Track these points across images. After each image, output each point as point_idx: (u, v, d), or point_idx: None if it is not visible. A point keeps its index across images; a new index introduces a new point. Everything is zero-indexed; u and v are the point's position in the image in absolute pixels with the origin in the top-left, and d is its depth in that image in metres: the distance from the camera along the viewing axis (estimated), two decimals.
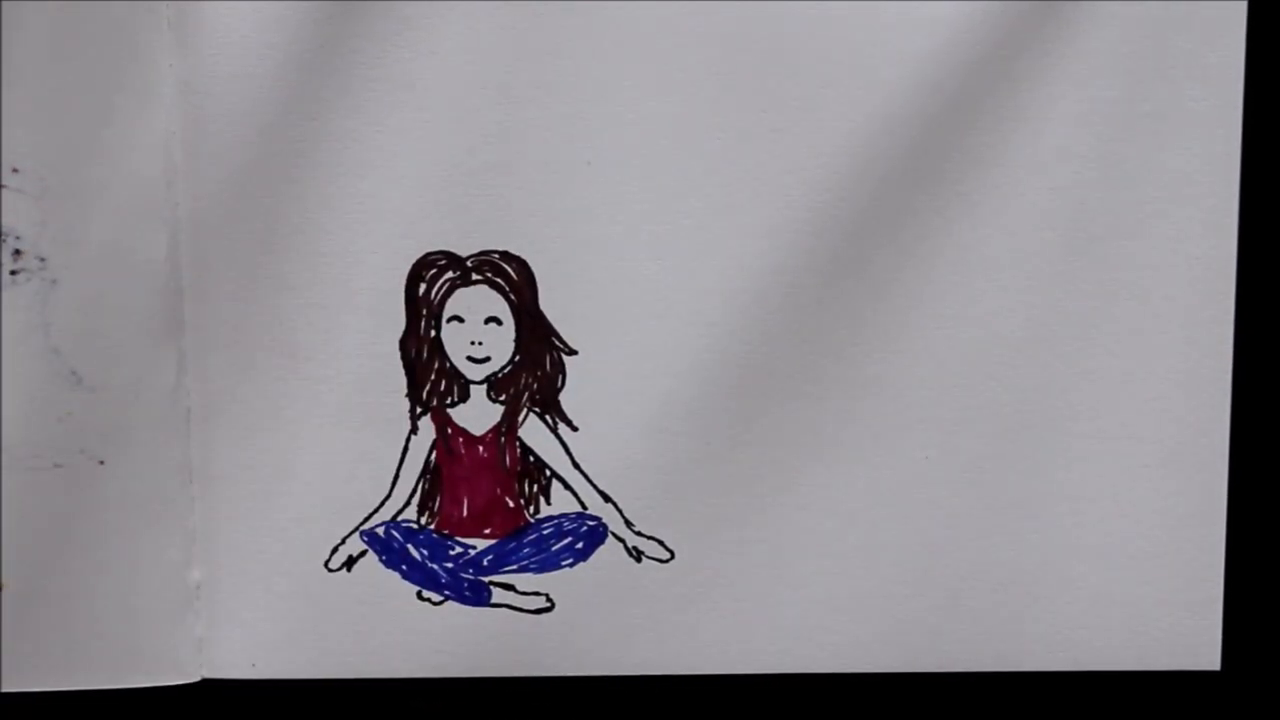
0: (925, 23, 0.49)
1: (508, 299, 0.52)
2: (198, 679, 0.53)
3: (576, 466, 0.53)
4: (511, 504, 0.53)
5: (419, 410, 0.52)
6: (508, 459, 0.53)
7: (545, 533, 0.53)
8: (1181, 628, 0.53)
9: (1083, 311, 0.51)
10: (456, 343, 0.52)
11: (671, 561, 0.53)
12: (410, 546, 0.53)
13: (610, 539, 0.53)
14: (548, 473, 0.53)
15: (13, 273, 0.51)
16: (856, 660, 0.53)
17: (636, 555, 0.53)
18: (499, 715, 0.54)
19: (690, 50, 0.50)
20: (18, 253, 0.50)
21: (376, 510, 0.53)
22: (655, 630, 0.53)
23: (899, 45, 0.50)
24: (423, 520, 0.53)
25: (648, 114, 0.50)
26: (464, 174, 0.51)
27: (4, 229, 0.50)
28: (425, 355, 0.52)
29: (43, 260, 0.50)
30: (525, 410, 0.52)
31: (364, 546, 0.53)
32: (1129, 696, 0.53)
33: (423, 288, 0.52)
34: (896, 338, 0.51)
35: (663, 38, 0.50)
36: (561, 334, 0.52)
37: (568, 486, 0.53)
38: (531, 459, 0.53)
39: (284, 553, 0.53)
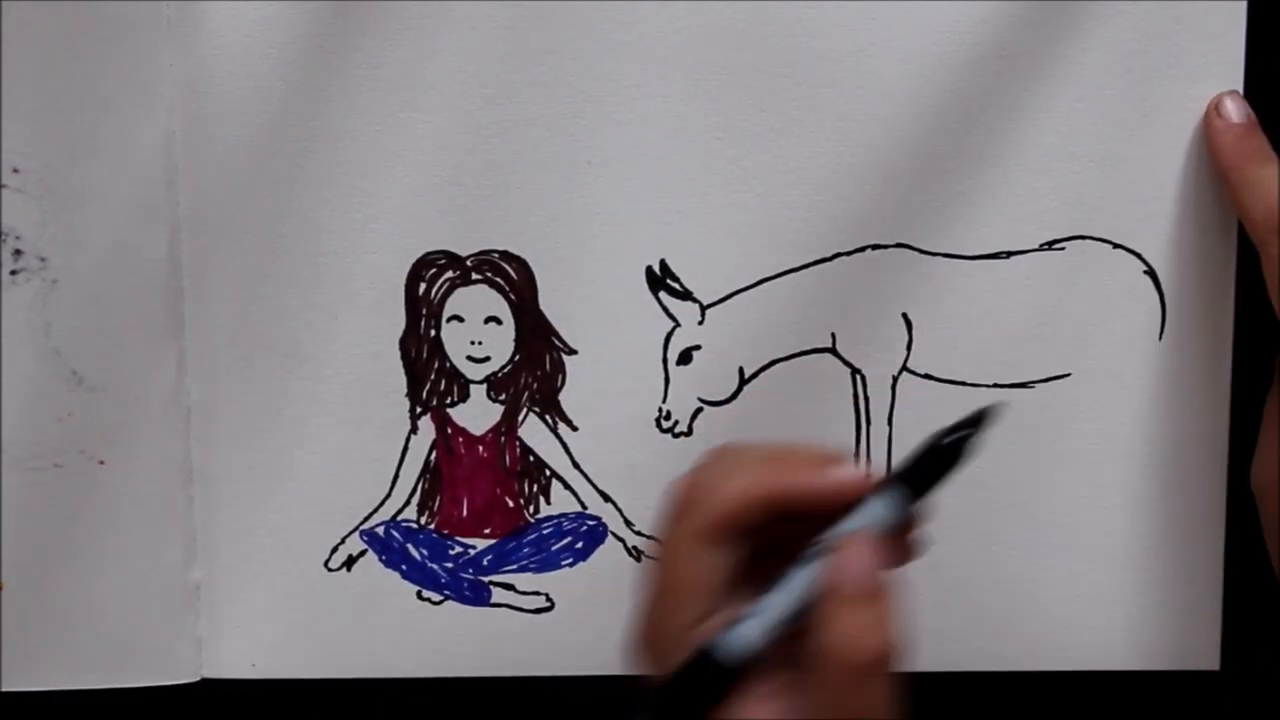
0: (925, 23, 0.49)
1: (507, 299, 0.52)
2: (198, 679, 0.53)
3: (576, 466, 0.53)
4: (511, 504, 0.53)
5: (419, 410, 0.52)
6: (507, 459, 0.53)
7: (545, 532, 0.53)
8: (1181, 628, 0.53)
9: (1083, 311, 0.51)
10: (456, 342, 0.52)
11: None
12: (410, 546, 0.53)
13: (610, 539, 0.53)
14: (547, 472, 0.53)
15: (13, 273, 0.51)
16: None
17: (636, 555, 0.53)
18: (499, 715, 0.54)
19: (690, 50, 0.50)
20: (18, 253, 0.50)
21: (376, 510, 0.53)
22: None
23: (899, 45, 0.50)
24: (422, 520, 0.53)
25: (648, 114, 0.50)
26: (464, 174, 0.51)
27: (4, 229, 0.50)
28: (425, 355, 0.52)
29: (43, 260, 0.50)
30: (525, 410, 0.52)
31: (364, 546, 0.53)
32: (1129, 696, 0.53)
33: (422, 287, 0.52)
34: (896, 337, 0.51)
35: (663, 38, 0.50)
36: (561, 334, 0.52)
37: (567, 486, 0.53)
38: (531, 459, 0.53)
39: (284, 553, 0.53)
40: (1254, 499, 0.50)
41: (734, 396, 0.52)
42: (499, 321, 0.52)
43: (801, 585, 0.40)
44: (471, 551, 0.53)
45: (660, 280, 0.51)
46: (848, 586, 0.40)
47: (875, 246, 0.51)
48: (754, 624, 0.40)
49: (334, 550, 0.53)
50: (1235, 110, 0.49)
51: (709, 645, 0.40)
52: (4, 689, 0.52)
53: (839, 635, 0.39)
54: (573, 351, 0.52)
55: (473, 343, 0.52)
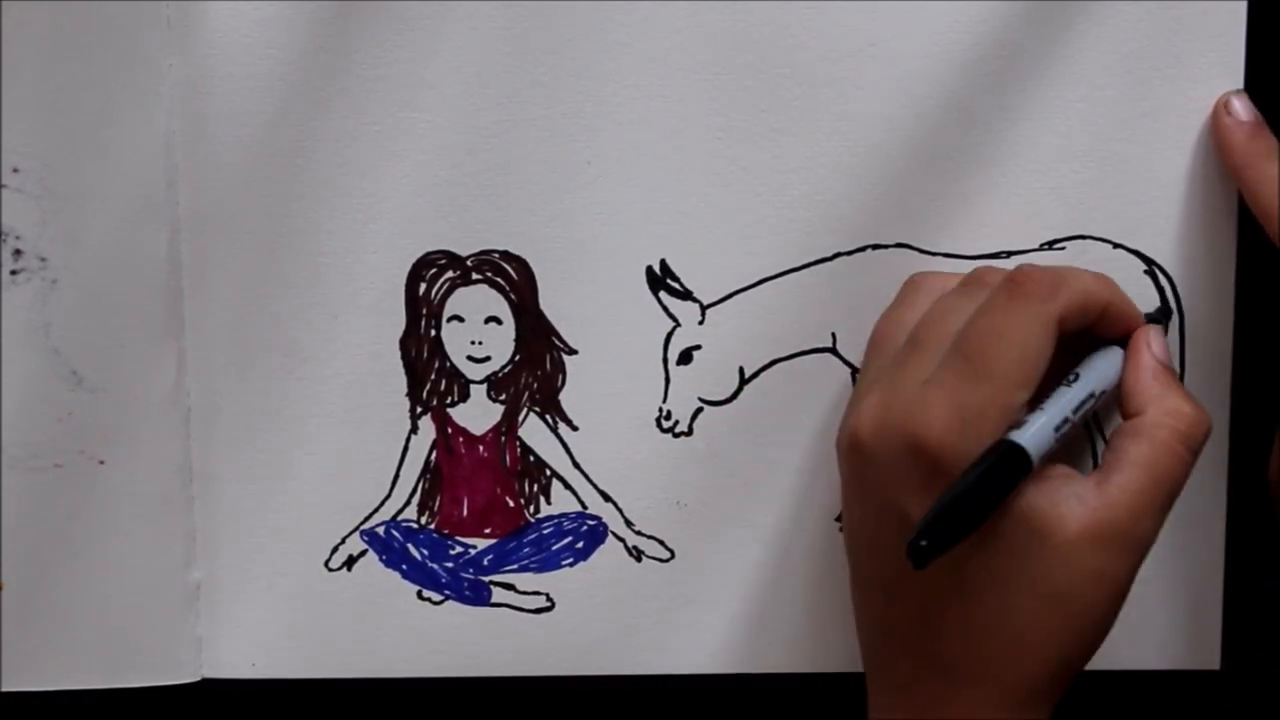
0: (925, 23, 0.49)
1: (508, 298, 0.52)
2: (198, 679, 0.53)
3: (576, 466, 0.53)
4: (511, 503, 0.53)
5: (419, 410, 0.52)
6: (508, 458, 0.53)
7: (545, 532, 0.53)
8: (1181, 628, 0.53)
9: None
10: (456, 342, 0.52)
11: (671, 561, 0.53)
12: (410, 546, 0.53)
13: (610, 539, 0.53)
14: (548, 472, 0.53)
15: (13, 273, 0.51)
16: (856, 660, 0.53)
17: (636, 555, 0.53)
18: (499, 715, 0.54)
19: (690, 50, 0.50)
20: (18, 253, 0.50)
21: (376, 510, 0.53)
22: (655, 630, 0.53)
23: (899, 45, 0.50)
24: (423, 520, 0.53)
25: (648, 114, 0.50)
26: (464, 174, 0.51)
27: (4, 229, 0.50)
28: (425, 355, 0.52)
29: (43, 260, 0.50)
30: (525, 410, 0.52)
31: (364, 546, 0.53)
32: (1129, 696, 0.53)
33: (423, 287, 0.52)
34: None
35: (663, 38, 0.50)
36: (561, 334, 0.52)
37: (568, 486, 0.53)
38: (531, 458, 0.53)
39: (284, 553, 0.53)
40: (1274, 494, 0.50)
41: (734, 396, 0.52)
42: (499, 321, 0.52)
43: (1096, 383, 0.46)
44: (472, 551, 0.53)
45: (660, 280, 0.51)
46: (1164, 367, 0.46)
47: (875, 246, 0.51)
48: (1045, 420, 0.44)
49: (334, 550, 0.53)
50: (1243, 109, 0.49)
51: (1015, 437, 0.43)
52: (4, 689, 0.52)
53: (1182, 406, 0.45)
54: (573, 351, 0.52)
55: (473, 343, 0.52)
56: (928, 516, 0.42)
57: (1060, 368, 0.46)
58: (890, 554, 0.44)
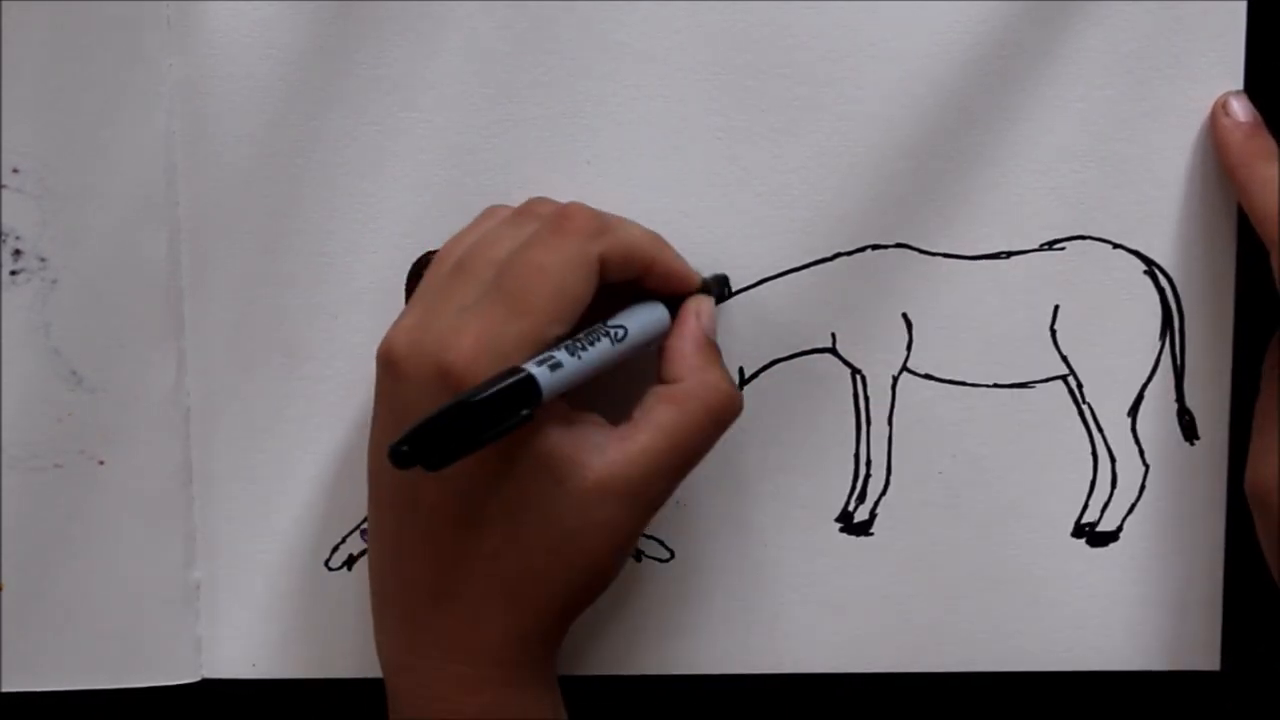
0: (925, 23, 0.50)
1: None
2: (198, 679, 0.53)
3: None
4: None
5: None
6: None
7: None
8: (1181, 628, 0.53)
9: (1083, 311, 0.51)
10: None
11: (671, 561, 0.53)
12: None
13: None
14: None
15: (13, 273, 0.51)
16: (856, 660, 0.53)
17: (636, 555, 0.53)
18: None
19: (690, 50, 0.50)
20: (18, 253, 0.50)
21: None
22: (655, 630, 0.53)
23: (899, 45, 0.50)
24: None
25: (648, 114, 0.50)
26: (464, 174, 0.51)
27: (4, 229, 0.50)
28: None
29: (43, 260, 0.50)
30: None
31: (364, 546, 0.53)
32: (1129, 696, 0.53)
33: None
34: (896, 337, 0.51)
35: (663, 38, 0.50)
36: None
37: None
38: None
39: (284, 553, 0.53)
40: (1249, 505, 0.50)
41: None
42: None
43: (635, 332, 0.46)
44: None
45: None
46: (707, 340, 0.47)
47: (875, 246, 0.51)
48: (569, 358, 0.44)
49: (334, 550, 0.53)
50: (1242, 109, 0.49)
51: (529, 366, 0.43)
52: (4, 689, 0.52)
53: (720, 384, 0.46)
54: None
55: None
56: (419, 422, 0.41)
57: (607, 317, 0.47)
58: (407, 474, 0.44)
